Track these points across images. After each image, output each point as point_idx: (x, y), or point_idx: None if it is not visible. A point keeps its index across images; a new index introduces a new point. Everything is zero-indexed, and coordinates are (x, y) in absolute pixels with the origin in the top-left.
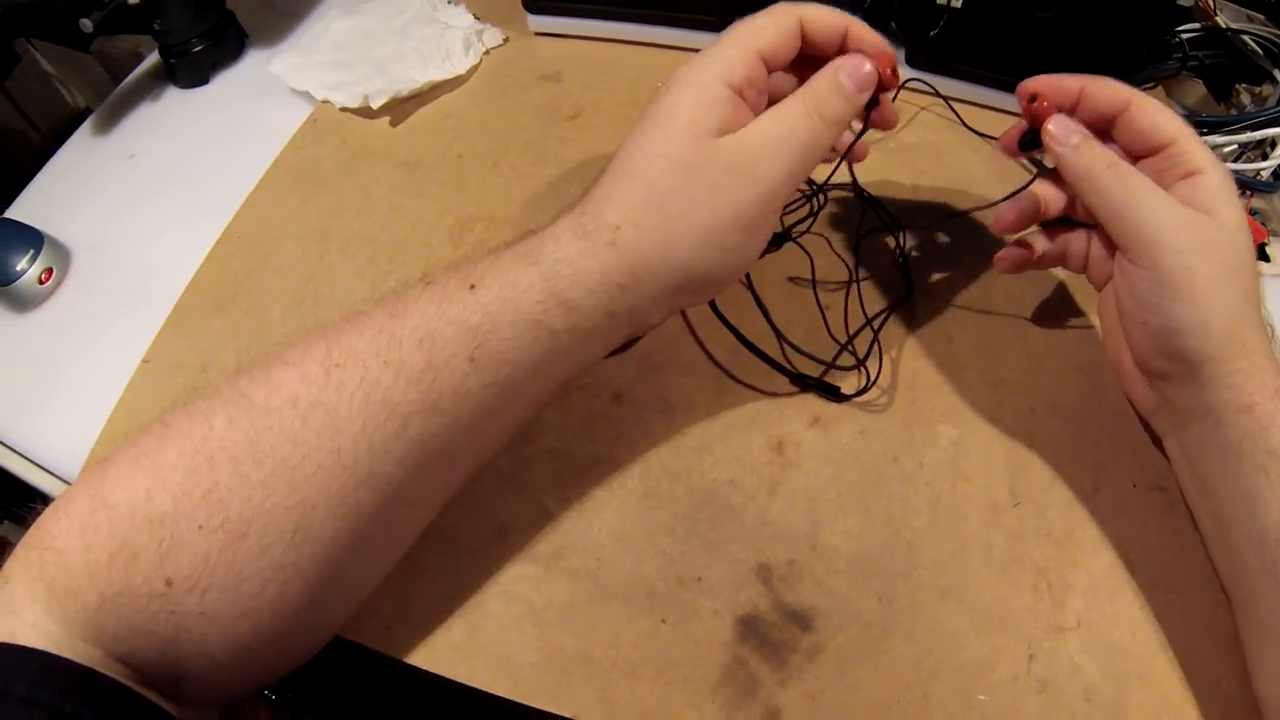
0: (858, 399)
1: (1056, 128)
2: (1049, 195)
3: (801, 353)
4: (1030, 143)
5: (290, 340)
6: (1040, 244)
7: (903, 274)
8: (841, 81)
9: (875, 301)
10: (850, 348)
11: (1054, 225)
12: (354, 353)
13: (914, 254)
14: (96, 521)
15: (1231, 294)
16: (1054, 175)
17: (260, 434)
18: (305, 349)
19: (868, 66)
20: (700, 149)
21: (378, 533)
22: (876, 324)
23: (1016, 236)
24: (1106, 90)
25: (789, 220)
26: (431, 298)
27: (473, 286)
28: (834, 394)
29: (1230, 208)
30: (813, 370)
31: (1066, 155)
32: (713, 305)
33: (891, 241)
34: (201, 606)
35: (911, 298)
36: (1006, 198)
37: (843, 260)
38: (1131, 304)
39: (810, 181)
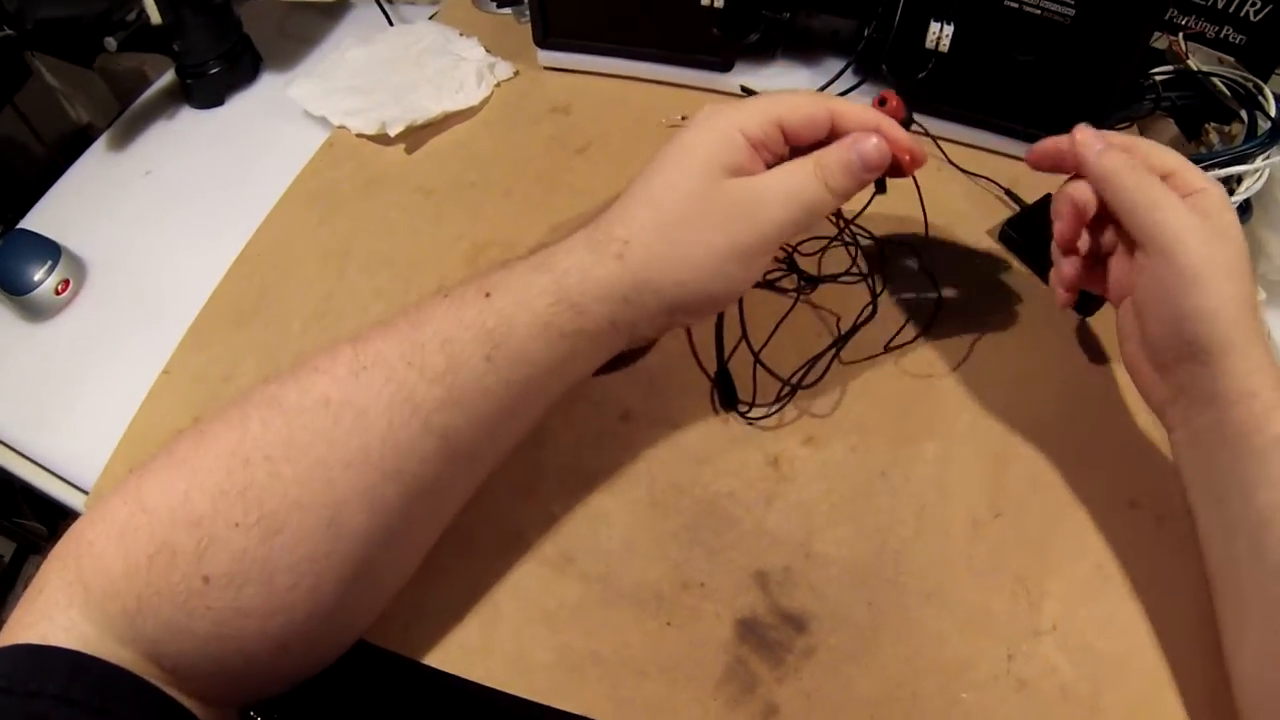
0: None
1: (1082, 136)
2: (1086, 195)
3: (770, 372)
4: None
5: (317, 349)
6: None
7: (870, 303)
8: (851, 159)
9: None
10: (794, 382)
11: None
12: (380, 356)
13: (895, 284)
14: (136, 525)
15: (1235, 288)
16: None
17: (294, 433)
18: (333, 355)
19: (878, 144)
20: (711, 185)
21: (404, 527)
22: (828, 355)
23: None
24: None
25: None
26: (450, 305)
27: (488, 294)
28: (733, 406)
29: (1232, 217)
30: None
31: (1092, 160)
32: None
33: (864, 272)
34: (238, 602)
35: (875, 318)
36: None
37: (824, 289)
38: (1152, 296)
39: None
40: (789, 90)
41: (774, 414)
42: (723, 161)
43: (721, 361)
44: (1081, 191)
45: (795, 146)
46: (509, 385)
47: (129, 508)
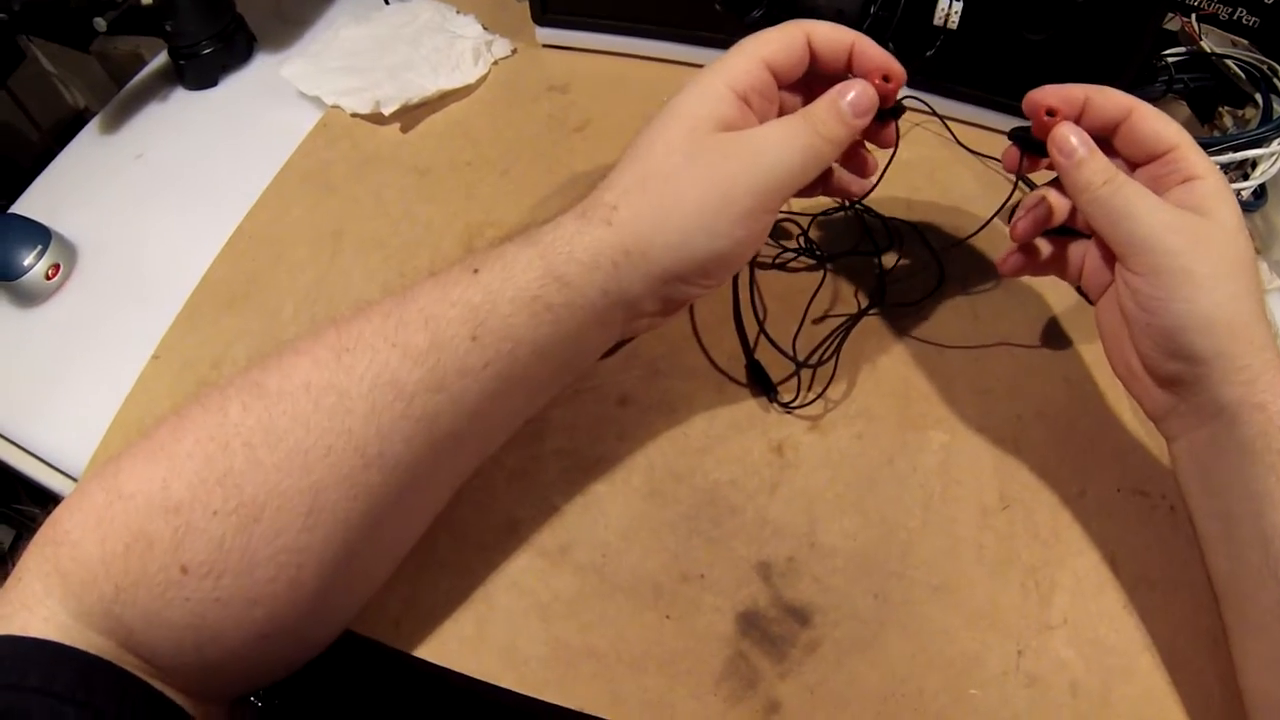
0: (797, 409)
1: (1061, 140)
2: (1057, 203)
3: (782, 353)
4: (1036, 149)
5: (302, 333)
6: (1043, 250)
7: (879, 285)
8: (841, 107)
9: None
10: (806, 362)
11: (1055, 234)
12: (362, 337)
13: (903, 267)
14: (113, 513)
15: (1232, 289)
16: (1056, 184)
17: (274, 419)
18: (317, 337)
19: (863, 92)
20: (700, 138)
21: (388, 516)
22: (837, 337)
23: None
24: (1110, 99)
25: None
26: (437, 284)
27: (476, 271)
28: (773, 397)
29: (1226, 208)
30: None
31: (1068, 169)
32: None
33: (874, 253)
34: (216, 592)
35: (882, 309)
36: (1000, 209)
37: (835, 270)
38: (1136, 308)
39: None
40: (767, 30)
41: (814, 401)
42: (711, 117)
43: (749, 353)
44: (1046, 202)
45: (793, 89)
46: (496, 365)
47: (107, 495)
